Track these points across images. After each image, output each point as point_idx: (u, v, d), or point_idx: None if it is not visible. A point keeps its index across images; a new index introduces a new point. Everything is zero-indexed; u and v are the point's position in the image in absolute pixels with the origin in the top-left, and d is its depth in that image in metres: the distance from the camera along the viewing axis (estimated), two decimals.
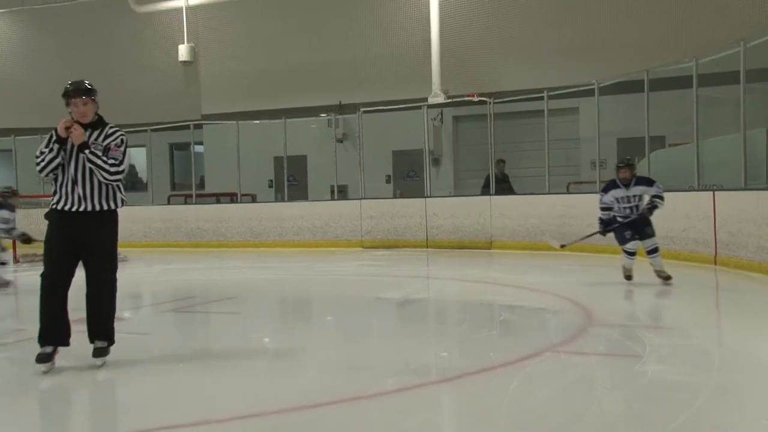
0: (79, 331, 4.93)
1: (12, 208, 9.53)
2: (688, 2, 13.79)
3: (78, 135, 4.64)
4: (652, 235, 7.98)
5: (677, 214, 10.28)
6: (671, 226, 10.31)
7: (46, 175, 4.73)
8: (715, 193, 9.62)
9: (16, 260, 11.62)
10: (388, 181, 16.84)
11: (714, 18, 13.07)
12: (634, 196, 8.04)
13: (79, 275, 4.90)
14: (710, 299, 8.08)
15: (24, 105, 19.03)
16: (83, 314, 4.94)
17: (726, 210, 9.25)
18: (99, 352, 4.88)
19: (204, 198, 16.93)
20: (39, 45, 20.06)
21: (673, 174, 11.68)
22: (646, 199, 8.08)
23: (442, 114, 16.02)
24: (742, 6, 12.74)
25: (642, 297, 7.68)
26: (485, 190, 13.86)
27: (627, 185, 8.03)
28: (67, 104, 4.73)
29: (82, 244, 4.75)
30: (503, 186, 13.87)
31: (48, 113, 18.58)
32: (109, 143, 4.76)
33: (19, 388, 4.59)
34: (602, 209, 8.20)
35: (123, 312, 7.97)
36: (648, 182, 8.19)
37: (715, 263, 9.38)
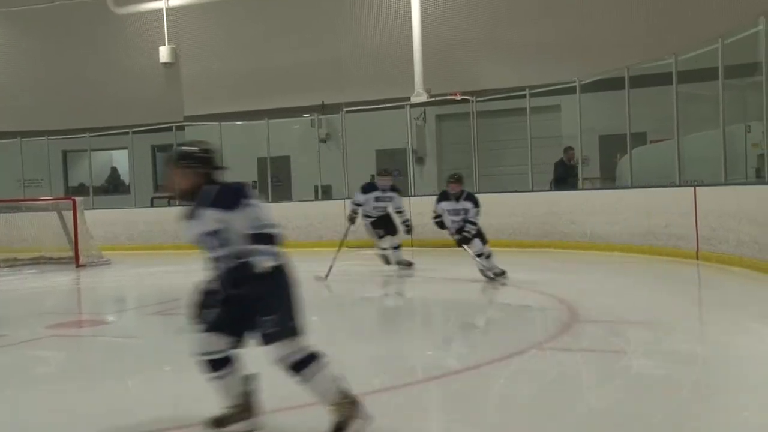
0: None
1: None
2: (667, 0, 13.91)
3: None
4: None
5: (659, 210, 10.37)
6: (653, 222, 10.41)
7: None
8: (696, 188, 9.71)
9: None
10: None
11: (693, 15, 13.18)
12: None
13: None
14: (693, 294, 8.16)
15: (1, 108, 18.82)
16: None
17: (707, 205, 9.34)
18: None
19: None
20: (16, 47, 19.83)
21: (655, 170, 11.78)
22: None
23: (425, 113, 16.03)
24: (720, 3, 12.86)
25: (625, 293, 7.74)
26: (555, 183, 13.24)
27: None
28: None
29: None
30: (570, 178, 13.01)
31: (27, 116, 18.62)
32: None
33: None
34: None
35: (107, 316, 7.94)
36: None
37: (697, 258, 9.46)
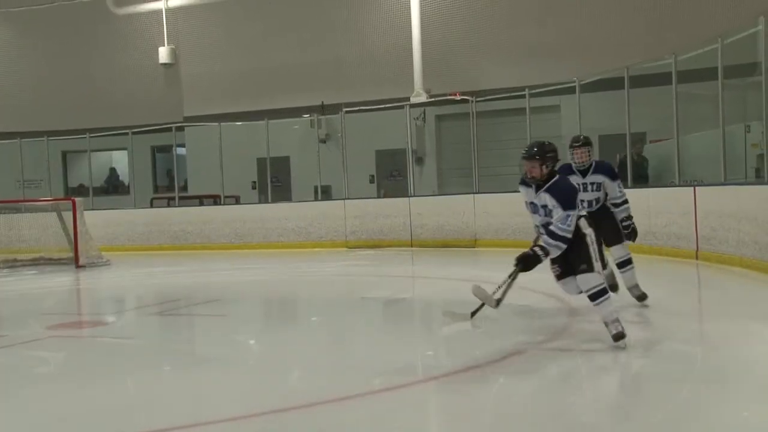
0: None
1: None
2: (666, 0, 13.92)
3: None
4: None
5: (659, 210, 10.37)
6: (653, 222, 10.40)
7: None
8: (696, 188, 9.71)
9: None
10: (371, 181, 16.83)
11: (692, 15, 13.19)
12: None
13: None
14: (693, 294, 8.15)
15: (1, 109, 18.81)
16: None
17: (707, 205, 9.34)
18: None
19: (187, 200, 16.84)
20: (16, 48, 19.83)
21: (654, 170, 11.78)
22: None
23: (424, 113, 16.04)
24: (720, 3, 12.87)
25: (625, 293, 7.72)
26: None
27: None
28: None
29: None
30: (639, 173, 11.62)
31: (27, 117, 18.60)
32: None
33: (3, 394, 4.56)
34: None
35: (107, 317, 7.93)
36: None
37: (697, 258, 9.46)
